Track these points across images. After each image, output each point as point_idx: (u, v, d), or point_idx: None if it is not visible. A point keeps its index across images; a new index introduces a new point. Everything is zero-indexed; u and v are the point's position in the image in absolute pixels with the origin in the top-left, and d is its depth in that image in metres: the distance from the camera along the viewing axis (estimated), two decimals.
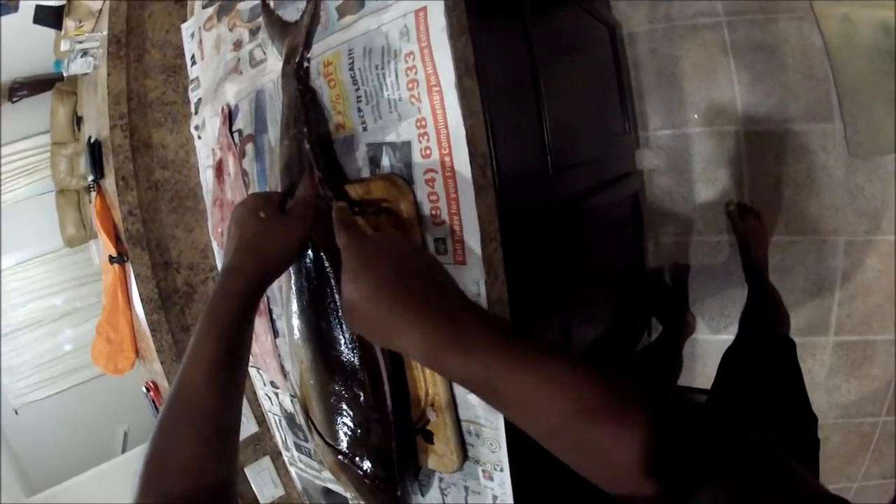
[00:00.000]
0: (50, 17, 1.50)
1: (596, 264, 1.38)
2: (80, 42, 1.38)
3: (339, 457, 0.77)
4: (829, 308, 1.80)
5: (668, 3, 1.81)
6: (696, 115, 1.84)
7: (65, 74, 1.47)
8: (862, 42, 1.65)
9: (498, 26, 0.88)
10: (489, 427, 0.74)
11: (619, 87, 1.71)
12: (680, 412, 0.49)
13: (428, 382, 0.75)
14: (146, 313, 1.14)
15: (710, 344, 1.94)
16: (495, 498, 0.79)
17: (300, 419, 1.08)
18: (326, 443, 0.78)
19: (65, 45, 1.41)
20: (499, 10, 0.89)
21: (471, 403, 0.75)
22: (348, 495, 1.04)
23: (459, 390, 0.75)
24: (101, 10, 1.37)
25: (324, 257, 0.72)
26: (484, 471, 0.78)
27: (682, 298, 1.94)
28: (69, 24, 1.41)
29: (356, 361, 0.72)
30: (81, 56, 1.40)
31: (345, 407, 0.74)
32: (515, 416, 0.49)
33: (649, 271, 1.94)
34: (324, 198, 0.73)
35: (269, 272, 0.67)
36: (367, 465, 0.75)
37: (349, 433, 0.75)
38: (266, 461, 1.29)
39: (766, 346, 1.32)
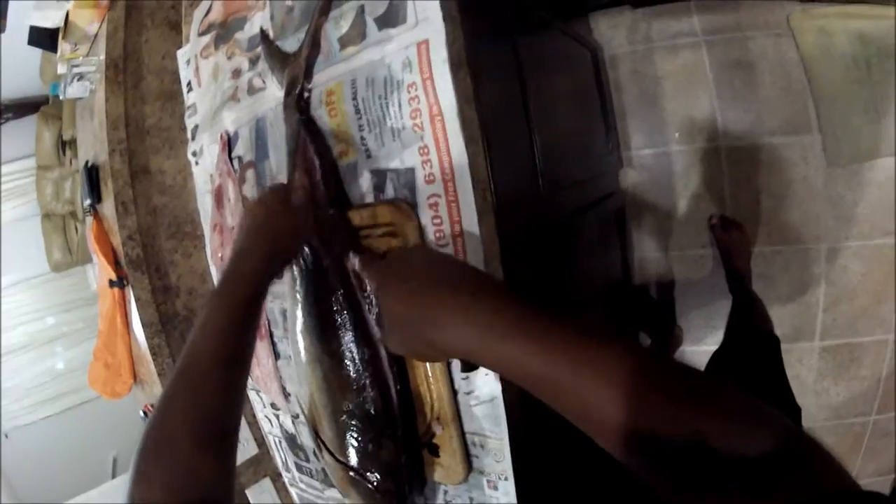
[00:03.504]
0: (44, 39, 1.49)
1: (585, 281, 1.42)
2: (77, 66, 1.39)
3: (350, 472, 0.79)
4: (815, 314, 1.83)
5: (648, 25, 1.86)
6: (677, 134, 1.88)
7: (62, 98, 1.47)
8: (838, 52, 1.70)
9: (490, 55, 0.91)
10: (494, 438, 0.76)
11: (602, 108, 1.75)
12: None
13: (434, 397, 0.77)
14: (147, 337, 1.15)
15: (697, 355, 1.96)
16: None
17: (301, 439, 1.09)
18: (337, 460, 0.80)
19: (61, 69, 1.41)
20: (489, 38, 0.92)
21: (476, 416, 0.77)
22: None
23: (464, 404, 0.78)
24: (96, 34, 1.38)
25: (329, 279, 0.75)
26: (489, 481, 0.80)
27: (668, 312, 1.98)
28: (65, 46, 1.40)
29: (366, 379, 0.75)
30: (77, 80, 1.40)
31: (356, 423, 0.76)
32: (567, 408, 0.44)
33: (636, 287, 1.97)
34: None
35: (278, 253, 0.71)
36: (377, 479, 0.77)
37: (360, 449, 0.77)
38: (266, 482, 1.29)
39: (749, 343, 1.35)
